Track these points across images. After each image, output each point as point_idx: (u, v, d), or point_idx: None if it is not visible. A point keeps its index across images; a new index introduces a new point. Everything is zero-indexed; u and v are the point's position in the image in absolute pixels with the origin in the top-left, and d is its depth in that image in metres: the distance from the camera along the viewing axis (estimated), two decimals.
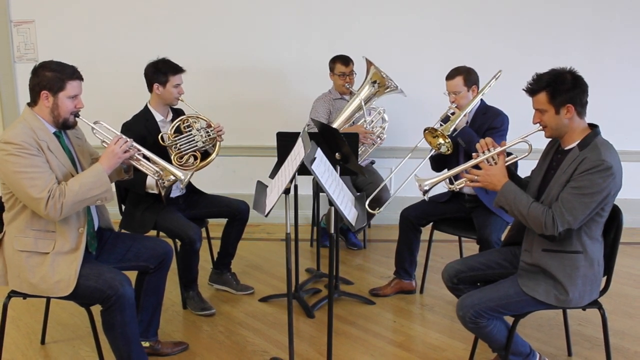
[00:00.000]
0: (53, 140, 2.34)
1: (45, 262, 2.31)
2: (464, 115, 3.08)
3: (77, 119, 2.40)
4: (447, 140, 2.94)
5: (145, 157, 2.54)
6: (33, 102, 2.35)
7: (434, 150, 3.06)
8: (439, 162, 3.31)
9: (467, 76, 3.14)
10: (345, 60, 3.99)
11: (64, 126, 2.39)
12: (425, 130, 2.98)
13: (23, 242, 2.32)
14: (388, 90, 3.74)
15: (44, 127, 2.33)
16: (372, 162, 4.26)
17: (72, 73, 2.34)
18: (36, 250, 2.31)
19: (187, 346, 2.85)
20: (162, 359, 2.75)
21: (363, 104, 3.70)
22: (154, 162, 2.56)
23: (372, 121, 3.80)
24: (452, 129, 2.99)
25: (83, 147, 2.56)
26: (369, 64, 3.74)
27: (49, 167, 2.28)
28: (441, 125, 3.09)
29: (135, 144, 2.47)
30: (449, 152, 2.98)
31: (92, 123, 2.47)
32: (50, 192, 2.20)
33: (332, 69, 4.05)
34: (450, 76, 3.18)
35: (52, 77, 2.29)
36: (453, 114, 3.10)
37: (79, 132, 2.57)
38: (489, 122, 3.13)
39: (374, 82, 3.71)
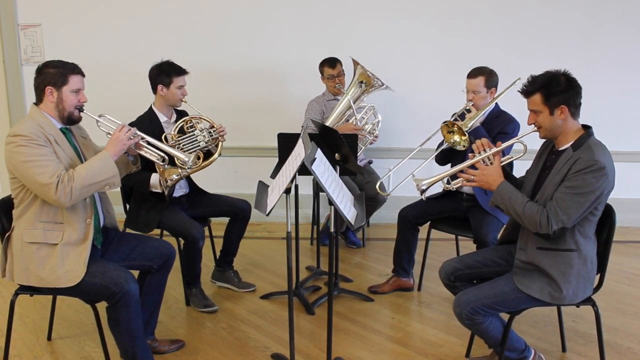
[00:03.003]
0: (59, 135, 2.41)
1: (55, 254, 2.35)
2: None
3: (81, 113, 2.47)
4: (464, 138, 2.94)
5: (149, 143, 2.61)
6: (39, 101, 2.42)
7: (445, 144, 3.08)
8: (445, 157, 3.34)
9: (488, 77, 3.14)
10: (332, 62, 4.03)
11: (70, 121, 2.45)
12: (443, 123, 2.99)
13: (32, 234, 2.37)
14: (373, 89, 3.78)
15: (51, 122, 2.40)
16: (370, 162, 4.31)
17: (73, 68, 2.42)
18: (45, 241, 2.36)
19: (184, 344, 2.87)
20: (160, 357, 2.76)
21: (352, 103, 3.76)
22: (159, 148, 2.62)
23: (364, 118, 3.85)
24: (470, 125, 3.00)
25: (88, 145, 2.62)
26: (355, 64, 3.78)
27: (56, 157, 2.34)
28: (456, 119, 3.09)
29: (138, 132, 2.54)
30: (464, 148, 2.98)
31: (96, 116, 2.55)
32: (59, 177, 2.25)
33: (322, 73, 4.11)
34: (472, 75, 3.17)
35: (54, 73, 2.37)
36: (469, 111, 3.12)
37: (83, 132, 2.64)
38: (501, 127, 3.14)
39: (361, 82, 3.76)
